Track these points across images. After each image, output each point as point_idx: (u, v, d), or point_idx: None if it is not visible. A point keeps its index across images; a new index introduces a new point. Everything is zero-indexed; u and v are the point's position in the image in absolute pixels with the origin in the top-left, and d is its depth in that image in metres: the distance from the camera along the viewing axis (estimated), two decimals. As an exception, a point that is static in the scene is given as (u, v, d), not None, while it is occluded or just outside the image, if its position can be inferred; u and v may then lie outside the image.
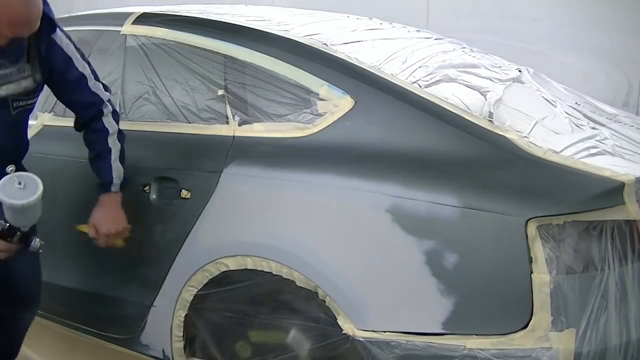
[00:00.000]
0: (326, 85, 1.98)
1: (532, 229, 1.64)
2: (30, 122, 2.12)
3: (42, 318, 2.46)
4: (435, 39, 2.62)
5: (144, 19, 2.41)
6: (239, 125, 2.09)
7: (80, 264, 2.40)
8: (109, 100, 2.08)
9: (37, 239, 1.84)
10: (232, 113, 2.12)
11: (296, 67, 2.04)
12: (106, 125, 2.05)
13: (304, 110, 2.01)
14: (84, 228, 2.09)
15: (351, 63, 2.02)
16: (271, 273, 1.94)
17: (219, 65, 2.17)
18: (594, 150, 1.85)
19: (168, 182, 2.14)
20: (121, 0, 3.06)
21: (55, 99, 2.12)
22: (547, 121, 1.98)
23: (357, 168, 1.86)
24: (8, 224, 1.78)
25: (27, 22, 1.71)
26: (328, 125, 1.95)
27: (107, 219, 2.05)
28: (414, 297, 1.77)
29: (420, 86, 1.96)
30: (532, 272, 1.63)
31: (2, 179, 1.76)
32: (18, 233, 1.79)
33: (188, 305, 2.11)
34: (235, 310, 2.06)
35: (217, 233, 2.05)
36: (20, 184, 1.75)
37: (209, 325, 2.13)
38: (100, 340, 2.42)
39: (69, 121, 2.17)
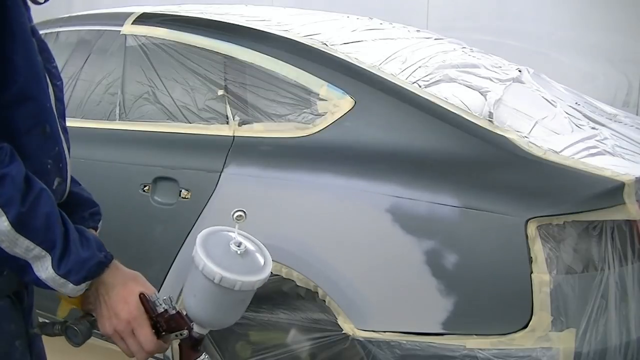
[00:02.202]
0: (326, 85, 1.98)
1: (532, 229, 1.64)
2: None
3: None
4: (435, 39, 2.62)
5: (144, 19, 2.40)
6: (239, 125, 2.09)
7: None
8: None
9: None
10: (232, 113, 2.12)
11: (296, 67, 2.04)
12: None
13: (304, 110, 2.00)
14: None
15: (351, 63, 2.02)
16: (271, 273, 1.93)
17: (219, 65, 2.17)
18: (594, 150, 1.84)
19: (168, 182, 2.14)
20: (121, 0, 3.06)
21: None
22: (547, 121, 1.98)
23: (357, 168, 1.86)
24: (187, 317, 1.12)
25: None
26: (328, 125, 1.95)
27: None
28: (414, 297, 1.76)
29: (420, 86, 1.95)
30: (532, 272, 1.63)
31: (207, 234, 1.08)
32: (187, 330, 1.13)
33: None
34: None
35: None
36: (240, 245, 1.09)
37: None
38: (100, 340, 2.41)
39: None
